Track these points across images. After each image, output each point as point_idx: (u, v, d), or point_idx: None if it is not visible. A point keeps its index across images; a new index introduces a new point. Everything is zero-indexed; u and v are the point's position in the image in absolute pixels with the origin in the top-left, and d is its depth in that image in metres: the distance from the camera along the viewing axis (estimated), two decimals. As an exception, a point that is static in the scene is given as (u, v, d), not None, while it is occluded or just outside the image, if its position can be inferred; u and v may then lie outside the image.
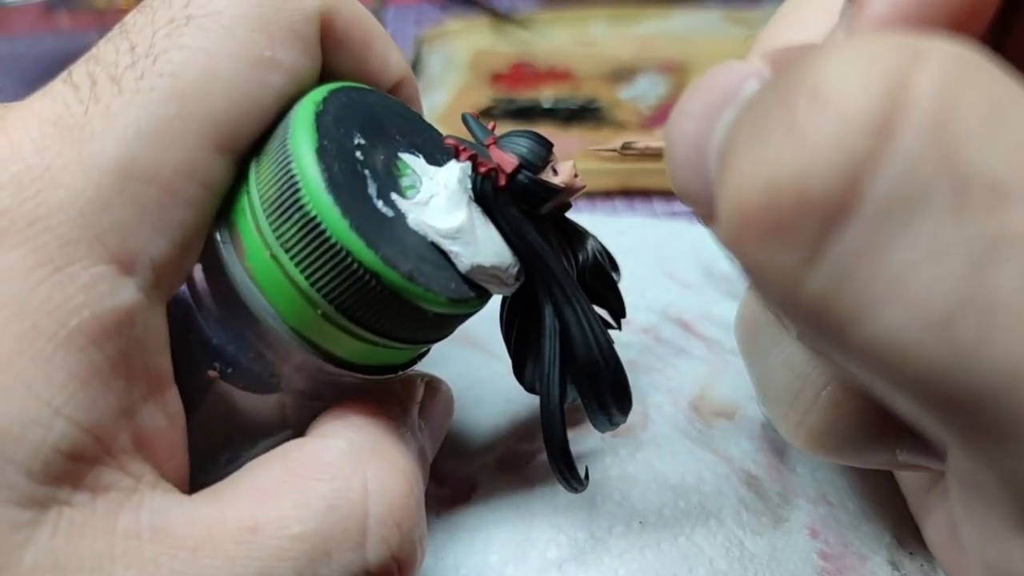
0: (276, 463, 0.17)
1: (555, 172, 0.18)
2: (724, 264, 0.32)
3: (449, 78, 0.46)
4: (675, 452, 0.24)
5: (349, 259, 0.16)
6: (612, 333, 0.21)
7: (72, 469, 0.14)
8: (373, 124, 0.18)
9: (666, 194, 0.37)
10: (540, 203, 0.18)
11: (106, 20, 0.44)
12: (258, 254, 0.16)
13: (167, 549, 0.14)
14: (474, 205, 0.18)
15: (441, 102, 0.44)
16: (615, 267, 0.23)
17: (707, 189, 0.12)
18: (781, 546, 0.21)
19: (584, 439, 0.24)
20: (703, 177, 0.12)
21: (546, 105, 0.43)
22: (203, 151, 0.16)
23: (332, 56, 0.18)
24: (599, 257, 0.21)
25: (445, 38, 0.50)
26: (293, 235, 0.16)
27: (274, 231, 0.16)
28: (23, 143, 0.15)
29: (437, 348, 0.20)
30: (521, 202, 0.18)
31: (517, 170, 0.18)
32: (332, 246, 0.16)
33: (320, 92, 0.17)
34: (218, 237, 0.17)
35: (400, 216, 0.17)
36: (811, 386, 0.17)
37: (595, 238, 0.22)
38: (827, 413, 0.17)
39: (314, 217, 0.16)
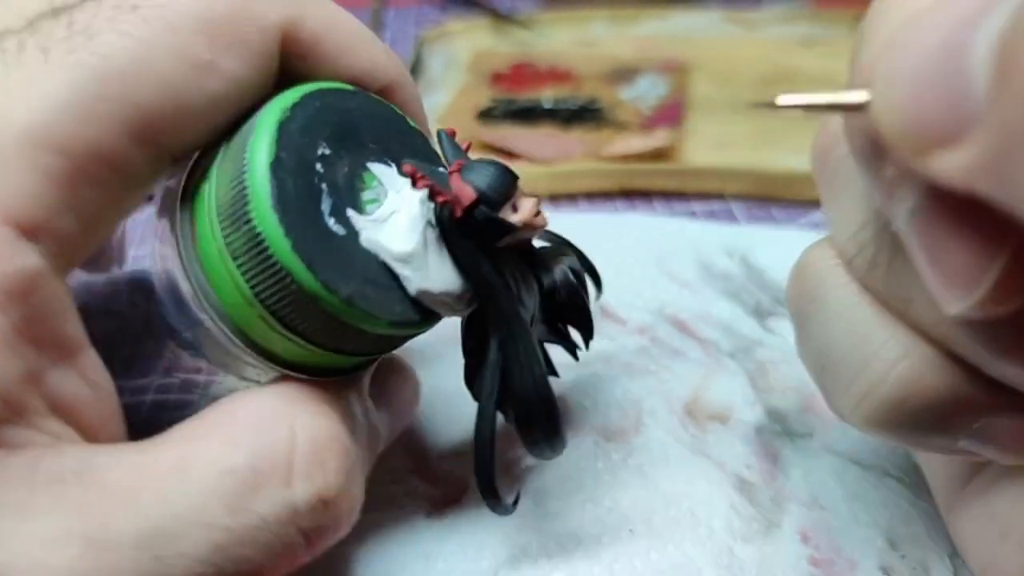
0: (207, 413, 0.17)
1: (515, 209, 0.18)
2: (721, 262, 0.32)
3: (449, 79, 0.46)
4: (667, 457, 0.23)
5: (289, 279, 0.16)
6: (611, 334, 0.20)
7: None
8: (345, 131, 0.18)
9: (666, 195, 0.37)
10: (495, 240, 0.18)
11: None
12: (208, 244, 0.17)
13: (95, 491, 0.15)
14: (431, 228, 0.18)
15: (442, 103, 0.44)
16: (597, 281, 0.23)
17: (961, 105, 0.11)
18: (771, 553, 0.21)
19: (580, 441, 0.24)
20: (958, 91, 0.10)
21: (547, 105, 0.42)
22: (121, 137, 0.16)
23: (302, 64, 0.18)
24: (571, 278, 0.21)
25: (445, 39, 0.50)
26: (240, 245, 0.16)
27: (223, 235, 0.16)
28: None
29: (432, 347, 0.20)
30: (476, 236, 0.18)
31: (474, 204, 0.17)
32: (273, 264, 0.16)
33: (292, 96, 0.17)
34: (179, 208, 0.17)
35: (353, 233, 0.17)
36: (886, 357, 0.15)
37: (575, 253, 0.21)
38: (901, 388, 0.15)
39: (259, 233, 0.16)
